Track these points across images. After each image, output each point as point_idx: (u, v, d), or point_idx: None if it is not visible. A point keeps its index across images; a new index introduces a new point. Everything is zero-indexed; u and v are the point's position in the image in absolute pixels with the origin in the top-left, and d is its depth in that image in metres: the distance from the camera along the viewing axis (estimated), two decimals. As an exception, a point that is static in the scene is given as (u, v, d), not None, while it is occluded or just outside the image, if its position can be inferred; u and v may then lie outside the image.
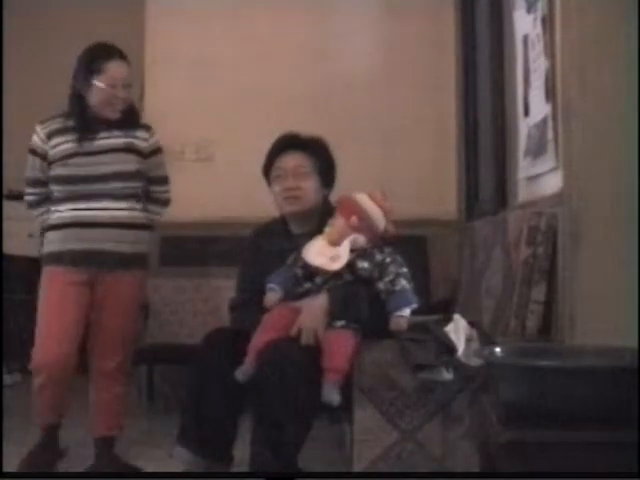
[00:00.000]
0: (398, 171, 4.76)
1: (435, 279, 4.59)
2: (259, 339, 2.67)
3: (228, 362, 2.69)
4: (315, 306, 2.71)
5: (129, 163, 3.27)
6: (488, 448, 2.01)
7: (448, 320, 2.71)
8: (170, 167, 5.03)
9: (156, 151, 3.41)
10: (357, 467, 2.57)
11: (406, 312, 2.70)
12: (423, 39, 4.86)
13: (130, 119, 3.33)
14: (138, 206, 3.32)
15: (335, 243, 2.77)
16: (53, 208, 3.30)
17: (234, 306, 3.06)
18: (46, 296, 3.23)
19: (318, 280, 2.78)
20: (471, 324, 2.70)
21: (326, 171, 3.04)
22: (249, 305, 2.90)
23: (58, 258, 3.24)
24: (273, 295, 2.77)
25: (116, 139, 3.27)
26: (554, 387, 1.82)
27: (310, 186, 2.98)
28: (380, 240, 2.82)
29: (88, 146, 3.24)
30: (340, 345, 2.62)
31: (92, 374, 3.32)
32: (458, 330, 2.63)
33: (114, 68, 3.22)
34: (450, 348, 2.57)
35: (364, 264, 2.76)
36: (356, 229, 2.77)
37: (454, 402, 2.55)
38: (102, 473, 3.19)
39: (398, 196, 4.52)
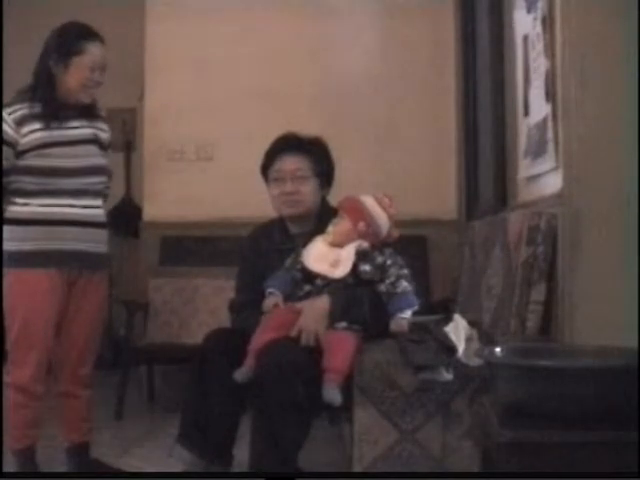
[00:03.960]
0: (398, 171, 4.76)
1: (435, 279, 4.60)
2: (259, 340, 2.66)
3: (228, 362, 2.68)
4: (316, 308, 2.70)
5: (99, 157, 3.11)
6: (488, 448, 2.01)
7: (448, 320, 2.70)
8: (170, 167, 5.05)
9: (110, 144, 3.24)
10: (357, 467, 2.56)
11: (407, 314, 2.70)
12: (423, 39, 4.86)
13: (93, 108, 3.15)
14: (102, 203, 3.15)
15: (338, 245, 2.77)
16: (21, 201, 3.00)
17: (234, 306, 3.06)
18: (22, 303, 2.98)
19: (319, 282, 2.77)
20: (471, 324, 2.70)
21: (325, 172, 3.04)
22: (249, 306, 2.90)
23: (36, 259, 2.97)
24: (273, 299, 2.76)
25: (84, 129, 3.09)
26: (554, 387, 1.82)
27: (309, 190, 2.97)
28: (380, 242, 2.82)
29: (59, 135, 3.02)
30: (341, 346, 2.62)
31: (62, 381, 3.10)
32: (458, 330, 2.63)
33: (95, 50, 3.04)
34: (450, 348, 2.57)
35: (365, 267, 2.75)
36: (362, 234, 2.76)
37: (454, 402, 2.54)
38: (101, 473, 3.14)
39: (398, 196, 4.54)
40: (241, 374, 2.62)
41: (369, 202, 2.80)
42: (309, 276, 2.78)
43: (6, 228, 3.00)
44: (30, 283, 2.98)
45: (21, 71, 3.12)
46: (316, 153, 3.01)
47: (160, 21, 4.95)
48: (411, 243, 4.53)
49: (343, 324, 2.70)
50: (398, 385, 2.56)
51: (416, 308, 2.73)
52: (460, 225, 4.60)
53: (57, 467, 3.16)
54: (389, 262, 2.77)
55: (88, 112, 3.12)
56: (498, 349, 2.07)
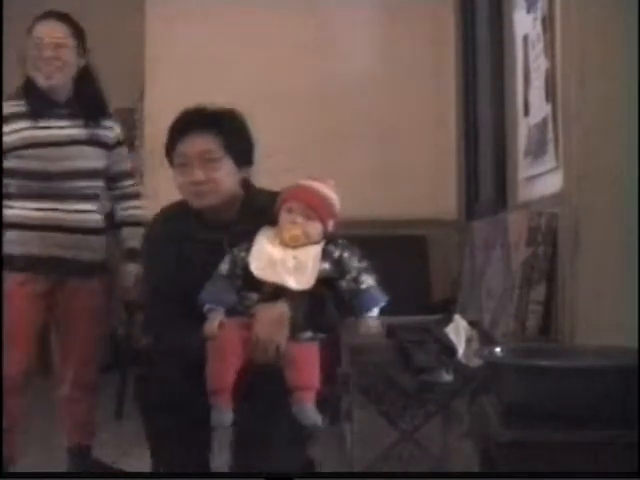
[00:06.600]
0: (398, 171, 4.75)
1: (435, 279, 4.59)
2: (220, 376, 2.21)
3: None
4: (273, 315, 2.24)
5: (93, 159, 2.93)
6: (488, 448, 2.01)
7: (448, 321, 2.70)
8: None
9: (120, 143, 3.05)
10: (357, 467, 2.57)
11: (375, 312, 2.30)
12: (423, 39, 4.86)
13: (95, 106, 2.96)
14: (97, 208, 2.99)
15: (293, 246, 2.29)
16: (9, 203, 2.88)
17: (158, 316, 2.47)
18: (4, 303, 2.86)
19: (267, 288, 2.28)
20: (471, 324, 2.70)
21: (241, 149, 2.47)
22: (173, 318, 2.38)
23: (16, 263, 2.87)
24: (215, 316, 2.25)
25: (79, 129, 2.91)
26: (554, 387, 1.82)
27: (223, 175, 2.40)
28: (329, 232, 2.36)
29: (46, 136, 2.85)
30: (307, 360, 2.24)
31: (64, 386, 3.05)
32: (458, 331, 2.63)
33: (40, 27, 2.83)
34: (450, 349, 2.57)
35: (325, 265, 2.29)
36: (328, 234, 2.34)
37: (454, 402, 2.55)
38: (101, 473, 3.14)
39: (398, 196, 4.55)
40: (228, 419, 2.20)
41: (333, 196, 2.36)
42: (254, 283, 2.28)
43: None
44: (18, 286, 2.87)
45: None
46: (227, 129, 2.44)
47: (160, 21, 4.95)
48: (411, 243, 4.53)
49: (308, 333, 2.28)
50: (398, 385, 2.56)
51: (384, 304, 2.30)
52: (460, 225, 4.60)
53: (57, 467, 3.16)
54: (346, 254, 2.31)
55: (88, 110, 2.96)
56: (498, 349, 2.07)
